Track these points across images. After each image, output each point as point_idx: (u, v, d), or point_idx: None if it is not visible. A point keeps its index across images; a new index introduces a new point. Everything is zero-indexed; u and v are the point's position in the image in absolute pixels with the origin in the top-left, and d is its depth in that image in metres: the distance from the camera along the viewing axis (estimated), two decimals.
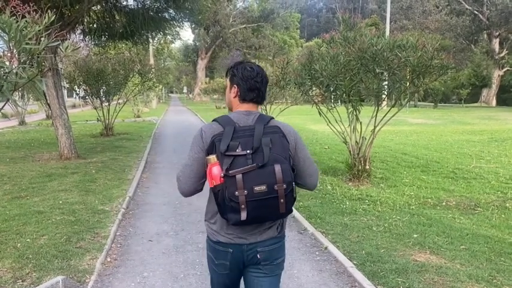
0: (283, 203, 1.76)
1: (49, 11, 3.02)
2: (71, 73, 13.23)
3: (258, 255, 1.93)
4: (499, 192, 6.47)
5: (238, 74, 1.99)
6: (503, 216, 5.33)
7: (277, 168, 1.74)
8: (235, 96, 2.00)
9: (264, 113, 13.33)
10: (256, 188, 1.71)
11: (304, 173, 1.97)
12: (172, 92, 78.11)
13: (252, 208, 1.73)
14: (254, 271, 1.99)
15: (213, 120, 1.96)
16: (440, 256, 3.96)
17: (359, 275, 3.54)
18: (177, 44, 65.61)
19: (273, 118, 1.97)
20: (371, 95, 6.58)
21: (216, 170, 1.76)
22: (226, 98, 2.09)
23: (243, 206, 1.72)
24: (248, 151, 1.76)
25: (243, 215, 1.73)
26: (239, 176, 1.71)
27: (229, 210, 1.75)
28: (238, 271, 2.00)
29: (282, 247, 2.01)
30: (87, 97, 13.92)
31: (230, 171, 1.72)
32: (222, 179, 1.74)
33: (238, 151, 1.76)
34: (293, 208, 1.87)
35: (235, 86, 1.99)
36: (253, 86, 1.95)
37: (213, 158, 1.78)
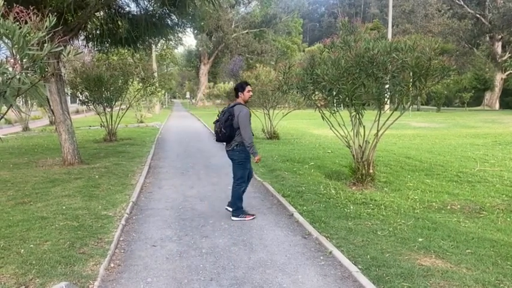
0: (223, 135, 5.20)
1: (50, 15, 3.02)
2: (73, 80, 13.28)
3: (228, 155, 5.43)
4: (504, 196, 6.42)
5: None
6: (508, 219, 5.29)
7: (218, 123, 5.26)
8: None
9: (267, 117, 13.56)
10: (217, 129, 5.26)
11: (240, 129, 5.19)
12: (175, 98, 78.25)
13: (216, 135, 5.34)
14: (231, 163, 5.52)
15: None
16: (446, 260, 3.93)
17: (364, 280, 3.51)
18: (180, 50, 65.93)
19: (236, 104, 5.24)
20: (372, 99, 6.55)
21: None
22: None
23: (216, 134, 5.35)
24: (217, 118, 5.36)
25: (216, 138, 5.36)
26: (215, 125, 5.32)
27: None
28: None
29: (235, 153, 5.27)
30: (89, 103, 13.95)
31: (214, 123, 5.42)
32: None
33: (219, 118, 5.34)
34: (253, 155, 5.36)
35: None
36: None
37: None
